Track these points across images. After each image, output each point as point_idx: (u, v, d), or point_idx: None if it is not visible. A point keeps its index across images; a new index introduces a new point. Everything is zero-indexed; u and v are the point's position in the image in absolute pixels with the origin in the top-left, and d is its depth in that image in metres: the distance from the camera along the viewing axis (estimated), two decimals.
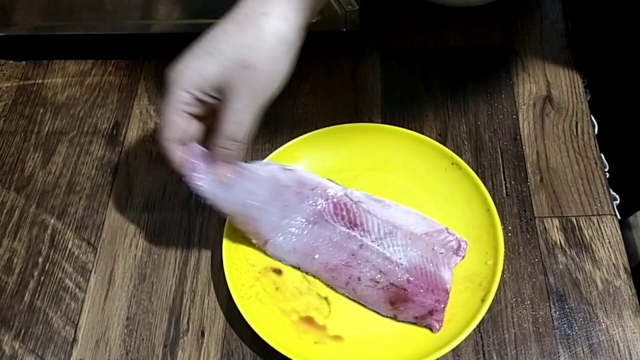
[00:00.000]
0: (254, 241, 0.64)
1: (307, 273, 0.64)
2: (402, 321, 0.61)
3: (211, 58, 0.54)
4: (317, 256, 0.63)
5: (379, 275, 0.62)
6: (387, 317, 0.61)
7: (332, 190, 0.66)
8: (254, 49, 0.53)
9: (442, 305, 0.60)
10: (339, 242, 0.64)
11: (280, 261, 0.64)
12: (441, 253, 0.63)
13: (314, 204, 0.65)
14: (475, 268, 0.62)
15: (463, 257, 0.63)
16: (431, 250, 0.63)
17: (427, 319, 0.60)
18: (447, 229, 0.65)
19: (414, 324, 0.60)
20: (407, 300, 0.61)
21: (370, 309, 0.62)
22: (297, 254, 0.64)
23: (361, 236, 0.64)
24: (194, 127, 0.57)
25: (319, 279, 0.64)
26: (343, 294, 0.63)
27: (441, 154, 0.68)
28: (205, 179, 0.58)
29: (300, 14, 0.55)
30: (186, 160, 0.57)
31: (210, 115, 0.57)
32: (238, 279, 0.63)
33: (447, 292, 0.61)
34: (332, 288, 0.63)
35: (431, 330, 0.60)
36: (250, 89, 0.54)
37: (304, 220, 0.64)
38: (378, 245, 0.63)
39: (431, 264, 0.62)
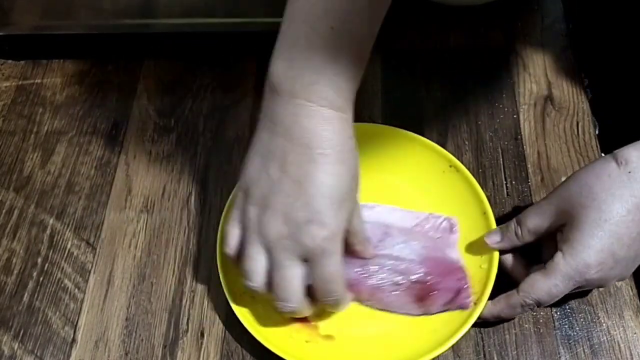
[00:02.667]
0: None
1: None
2: (435, 313, 0.60)
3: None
4: None
5: (398, 277, 0.62)
6: (419, 315, 0.61)
7: None
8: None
9: (465, 282, 0.60)
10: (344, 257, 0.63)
11: None
12: (439, 238, 0.63)
13: None
14: (470, 271, 0.62)
15: (459, 233, 0.64)
16: (429, 238, 0.63)
17: (456, 301, 0.60)
18: (430, 214, 0.65)
19: (446, 311, 0.60)
20: (431, 291, 0.61)
21: (401, 314, 0.61)
22: None
23: None
24: None
25: None
26: (370, 307, 0.62)
27: (439, 156, 0.68)
28: None
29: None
30: None
31: None
32: (232, 276, 0.62)
33: (463, 269, 0.61)
34: (358, 303, 0.62)
35: (464, 309, 0.59)
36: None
37: None
38: (382, 249, 0.63)
39: (437, 251, 0.62)
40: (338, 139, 0.53)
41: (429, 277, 0.61)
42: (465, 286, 0.60)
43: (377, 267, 0.62)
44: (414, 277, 0.61)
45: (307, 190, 0.52)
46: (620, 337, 0.60)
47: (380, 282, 0.62)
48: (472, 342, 0.60)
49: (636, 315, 0.61)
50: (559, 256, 0.55)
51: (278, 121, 0.53)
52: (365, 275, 0.62)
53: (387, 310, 0.61)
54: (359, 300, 0.62)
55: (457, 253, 0.63)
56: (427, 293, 0.61)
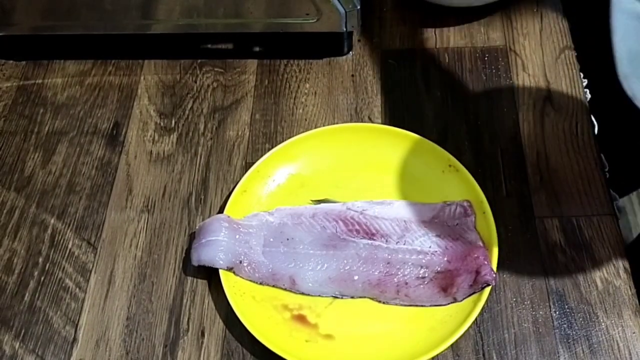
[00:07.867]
0: (281, 286, 0.63)
1: (352, 297, 0.62)
2: (463, 299, 0.60)
3: None
4: (356, 277, 0.62)
5: (422, 271, 0.62)
6: (448, 304, 0.61)
7: (333, 210, 0.66)
8: None
9: (483, 259, 0.61)
10: (368, 255, 0.63)
11: (319, 296, 0.62)
12: (457, 224, 0.64)
13: (323, 229, 0.65)
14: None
15: (474, 214, 0.64)
16: (447, 227, 0.64)
17: (478, 281, 0.60)
18: (444, 203, 0.65)
19: (473, 294, 0.60)
20: (454, 278, 0.61)
21: (430, 306, 0.61)
22: (335, 282, 0.62)
23: (386, 243, 0.64)
24: None
25: (365, 297, 0.62)
26: (397, 304, 0.62)
27: (438, 156, 0.68)
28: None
29: None
30: None
31: None
32: (233, 276, 0.63)
33: (480, 247, 0.62)
34: (384, 302, 0.62)
35: (489, 284, 0.59)
36: None
37: (322, 247, 0.64)
38: (404, 244, 0.63)
39: (456, 238, 0.63)
40: None
41: (451, 265, 0.62)
42: (484, 263, 0.60)
43: (399, 264, 0.62)
44: (437, 268, 0.62)
45: None
46: (619, 337, 0.60)
47: (405, 278, 0.62)
48: (472, 341, 0.61)
49: (635, 314, 0.61)
50: None
51: None
52: (386, 274, 0.62)
53: (416, 305, 0.61)
54: (386, 300, 0.62)
55: (475, 234, 0.63)
56: (450, 281, 0.61)
